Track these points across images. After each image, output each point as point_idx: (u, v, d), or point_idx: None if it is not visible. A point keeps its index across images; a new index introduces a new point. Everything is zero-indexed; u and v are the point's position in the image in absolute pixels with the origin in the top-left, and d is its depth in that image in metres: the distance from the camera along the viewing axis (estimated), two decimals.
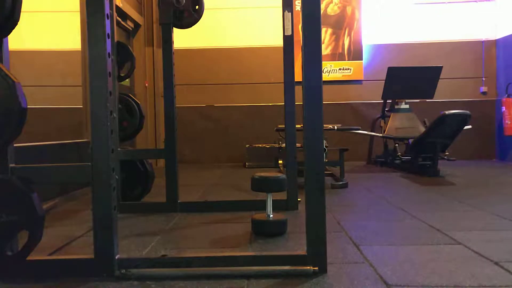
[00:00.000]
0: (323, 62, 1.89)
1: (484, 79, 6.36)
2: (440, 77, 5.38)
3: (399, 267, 1.64)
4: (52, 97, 4.96)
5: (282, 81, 2.81)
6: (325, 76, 6.17)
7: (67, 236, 2.21)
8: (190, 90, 6.25)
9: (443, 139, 4.46)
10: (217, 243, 2.03)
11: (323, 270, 1.56)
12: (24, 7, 1.60)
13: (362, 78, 6.39)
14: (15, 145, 1.65)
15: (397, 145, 5.34)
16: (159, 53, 5.86)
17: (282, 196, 2.68)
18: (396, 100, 5.45)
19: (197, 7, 2.86)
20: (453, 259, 1.72)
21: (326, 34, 6.36)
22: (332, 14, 6.36)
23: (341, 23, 6.37)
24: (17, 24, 1.59)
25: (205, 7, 2.94)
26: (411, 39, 6.35)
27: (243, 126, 6.34)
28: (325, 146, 3.60)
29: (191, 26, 2.91)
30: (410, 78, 5.32)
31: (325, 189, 1.56)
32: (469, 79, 6.37)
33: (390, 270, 1.60)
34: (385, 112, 5.61)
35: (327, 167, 4.35)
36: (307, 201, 1.56)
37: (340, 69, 6.37)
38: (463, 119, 4.38)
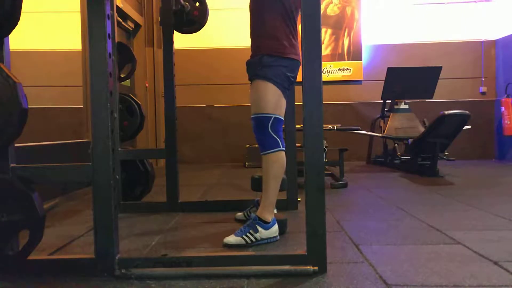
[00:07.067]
0: (323, 62, 1.89)
1: (483, 79, 6.36)
2: (440, 77, 5.39)
3: (399, 266, 1.64)
4: (52, 97, 4.96)
5: None
6: (325, 77, 6.17)
7: (67, 236, 2.21)
8: (190, 90, 6.25)
9: (442, 139, 4.46)
10: (217, 242, 2.04)
11: (323, 269, 1.56)
12: (25, 7, 1.61)
13: (362, 78, 6.39)
14: (16, 145, 1.65)
15: (396, 145, 5.34)
16: (159, 53, 5.86)
17: (282, 196, 2.69)
18: (396, 100, 5.46)
19: (197, 3, 2.87)
20: (452, 259, 1.73)
21: (325, 34, 6.37)
22: (332, 14, 6.37)
23: (341, 23, 6.37)
24: (17, 24, 1.60)
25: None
26: (410, 40, 6.35)
27: (243, 126, 6.32)
28: (325, 146, 3.61)
29: (197, 30, 2.91)
30: (409, 78, 5.33)
31: (324, 189, 1.57)
32: (469, 79, 6.37)
33: (390, 270, 1.60)
34: (385, 112, 5.62)
35: (327, 167, 4.36)
36: (307, 201, 1.56)
37: (339, 69, 6.38)
38: (463, 119, 4.38)
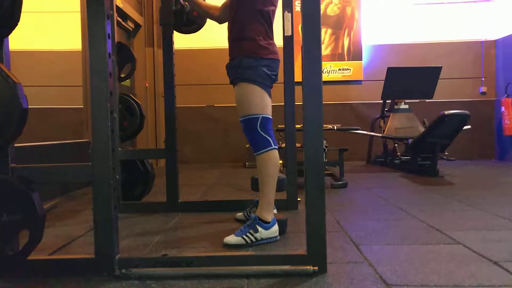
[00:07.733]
0: (323, 62, 1.89)
1: (483, 79, 6.36)
2: (440, 77, 5.39)
3: (399, 266, 1.65)
4: (52, 97, 4.96)
5: (282, 81, 2.82)
6: (325, 77, 6.17)
7: (67, 236, 2.21)
8: (190, 90, 6.25)
9: (442, 139, 4.46)
10: (217, 242, 2.04)
11: (323, 269, 1.56)
12: (25, 7, 1.61)
13: (362, 78, 6.39)
14: (16, 145, 1.65)
15: (396, 145, 5.35)
16: (159, 53, 5.86)
17: (282, 196, 2.69)
18: (396, 100, 5.46)
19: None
20: (452, 259, 1.73)
21: (326, 34, 6.37)
22: (332, 14, 6.37)
23: (341, 23, 6.38)
24: (17, 24, 1.59)
25: None
26: (410, 40, 6.35)
27: None
28: (325, 146, 3.61)
29: (197, 30, 2.91)
30: (409, 78, 5.33)
31: (324, 189, 1.57)
32: (469, 79, 6.37)
33: (390, 270, 1.60)
34: (385, 112, 5.62)
35: (326, 167, 4.36)
36: (307, 201, 1.56)
37: (339, 69, 6.38)
38: (463, 119, 4.38)
